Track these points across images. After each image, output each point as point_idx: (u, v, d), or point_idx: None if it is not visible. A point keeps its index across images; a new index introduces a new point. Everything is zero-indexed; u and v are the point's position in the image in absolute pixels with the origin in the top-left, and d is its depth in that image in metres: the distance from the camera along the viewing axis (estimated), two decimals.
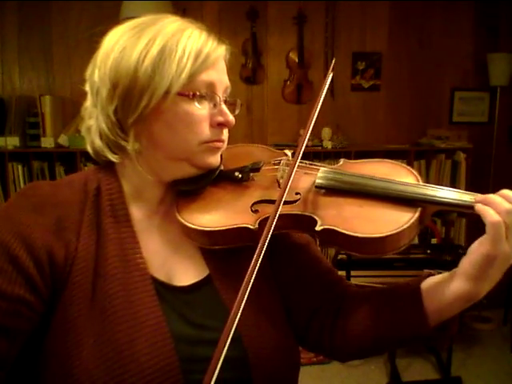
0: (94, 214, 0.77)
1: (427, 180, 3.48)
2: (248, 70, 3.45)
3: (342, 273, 2.94)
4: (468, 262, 0.71)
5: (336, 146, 3.36)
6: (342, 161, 0.88)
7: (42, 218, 0.72)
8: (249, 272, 0.66)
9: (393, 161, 0.85)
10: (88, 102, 0.80)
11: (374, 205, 0.76)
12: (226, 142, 0.83)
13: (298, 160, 0.78)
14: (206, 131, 0.78)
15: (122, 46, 0.74)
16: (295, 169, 0.77)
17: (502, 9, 3.62)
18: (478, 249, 0.69)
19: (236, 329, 0.66)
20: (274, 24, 3.46)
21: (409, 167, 0.83)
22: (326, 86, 0.85)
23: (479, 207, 0.69)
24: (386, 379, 2.86)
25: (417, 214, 0.73)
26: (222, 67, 0.80)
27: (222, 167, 0.84)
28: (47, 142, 3.05)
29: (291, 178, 0.76)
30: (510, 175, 3.67)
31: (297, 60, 3.48)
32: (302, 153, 0.79)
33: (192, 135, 0.77)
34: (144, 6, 2.73)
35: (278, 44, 3.47)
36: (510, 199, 0.68)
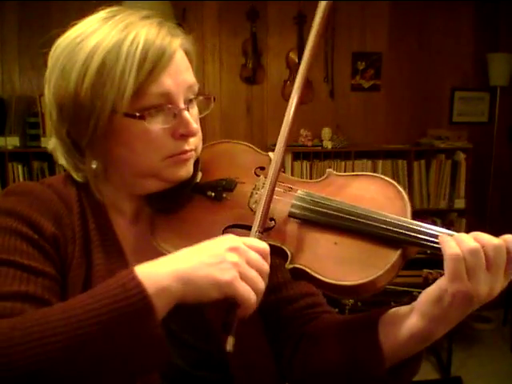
0: (80, 219, 0.75)
1: (427, 180, 3.48)
2: (248, 69, 3.44)
3: None
4: (424, 296, 0.66)
5: (336, 145, 3.36)
6: (327, 172, 0.80)
7: (41, 211, 0.71)
8: None
9: (383, 177, 0.77)
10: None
11: (351, 243, 0.69)
12: (198, 149, 0.77)
13: (269, 192, 0.71)
14: (167, 146, 0.71)
15: (63, 64, 0.70)
16: (266, 202, 0.70)
17: (502, 9, 3.61)
18: (435, 283, 0.64)
19: (218, 350, 0.64)
20: (274, 24, 3.46)
21: (399, 187, 0.75)
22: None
23: (441, 238, 0.63)
24: None
25: (395, 257, 0.66)
26: (178, 66, 0.71)
27: (199, 177, 0.79)
28: (47, 142, 3.04)
29: (263, 213, 0.69)
30: (510, 175, 3.67)
31: (297, 60, 3.47)
32: (275, 179, 0.72)
33: (152, 153, 0.71)
34: (144, 6, 2.73)
35: (278, 44, 3.47)
36: (480, 240, 0.61)
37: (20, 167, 3.03)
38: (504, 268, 0.61)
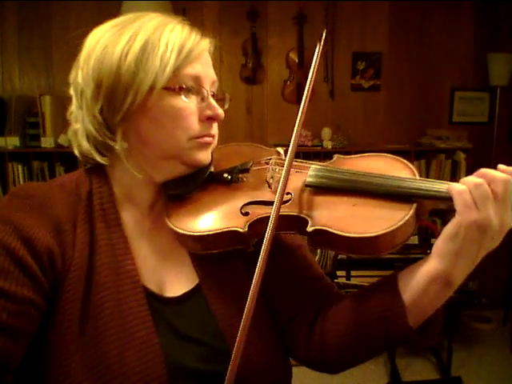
0: (86, 218, 0.76)
1: None
2: (248, 70, 3.44)
3: (341, 273, 2.94)
4: (441, 237, 0.68)
5: (336, 146, 3.36)
6: (335, 157, 0.84)
7: (40, 219, 0.71)
8: (250, 295, 0.65)
9: (388, 154, 0.81)
10: (73, 106, 0.79)
11: (368, 202, 0.72)
12: (216, 138, 0.81)
13: (289, 161, 0.75)
14: (194, 126, 0.75)
15: (104, 44, 0.73)
16: (286, 171, 0.74)
17: (501, 9, 3.62)
18: (451, 221, 0.67)
19: (227, 347, 0.66)
20: (274, 24, 3.46)
21: (405, 161, 0.79)
22: (316, 60, 0.83)
23: (450, 185, 0.68)
24: (386, 379, 2.86)
25: (412, 211, 0.70)
26: (207, 61, 0.78)
27: (212, 169, 0.82)
28: (47, 142, 3.05)
29: (285, 183, 0.73)
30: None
31: (297, 60, 3.48)
32: (294, 152, 0.76)
33: (180, 130, 0.74)
34: (144, 7, 2.73)
35: (278, 44, 3.47)
36: (483, 175, 0.67)
37: (20, 167, 3.03)
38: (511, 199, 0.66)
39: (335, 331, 0.78)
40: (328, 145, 3.36)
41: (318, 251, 3.22)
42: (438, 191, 0.69)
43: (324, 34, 0.81)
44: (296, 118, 0.76)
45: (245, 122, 3.48)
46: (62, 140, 3.06)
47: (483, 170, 0.68)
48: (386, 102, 3.64)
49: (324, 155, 3.34)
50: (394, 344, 0.74)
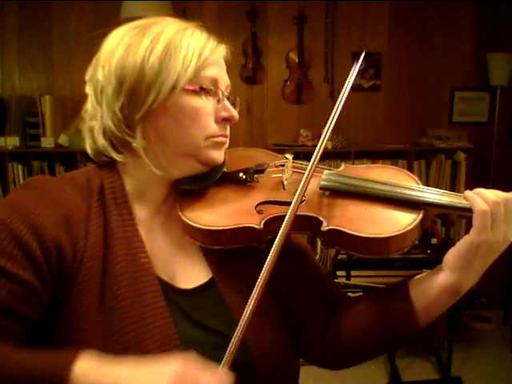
0: (100, 211, 0.77)
1: (427, 180, 3.49)
2: (248, 70, 3.44)
3: (341, 273, 2.94)
4: (452, 252, 0.73)
5: (336, 145, 3.36)
6: (343, 165, 0.88)
7: (51, 210, 0.72)
8: (260, 278, 0.68)
9: (393, 166, 0.86)
10: (89, 104, 0.80)
11: (378, 207, 0.77)
12: (228, 139, 0.83)
13: (315, 162, 0.78)
14: (211, 125, 0.78)
15: (127, 44, 0.75)
16: (311, 172, 0.77)
17: (501, 9, 3.61)
18: (462, 239, 0.72)
19: (243, 336, 0.68)
20: (274, 24, 3.46)
21: (409, 173, 0.84)
22: (351, 81, 0.86)
23: (468, 195, 0.72)
24: (386, 379, 2.86)
25: (420, 216, 0.75)
26: (222, 66, 0.81)
27: (225, 168, 0.84)
28: (47, 142, 3.05)
29: (307, 182, 0.76)
30: (510, 175, 3.67)
31: (297, 60, 3.48)
32: (318, 156, 0.79)
33: (198, 129, 0.77)
34: (144, 7, 2.73)
35: (278, 44, 3.47)
36: (498, 194, 0.72)
37: (20, 167, 3.03)
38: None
39: (349, 333, 0.83)
40: (328, 145, 3.36)
41: (318, 251, 3.22)
42: (459, 204, 0.74)
43: (362, 56, 0.86)
44: (327, 121, 0.81)
45: (245, 121, 3.48)
46: (61, 140, 3.06)
47: (493, 190, 0.73)
48: (386, 102, 3.64)
49: (324, 155, 3.34)
50: (403, 343, 0.80)
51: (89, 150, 0.81)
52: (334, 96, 3.53)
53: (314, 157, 0.78)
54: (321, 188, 0.81)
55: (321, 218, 0.76)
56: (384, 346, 0.83)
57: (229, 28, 3.38)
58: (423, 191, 0.77)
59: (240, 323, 0.68)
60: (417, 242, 0.75)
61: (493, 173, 3.56)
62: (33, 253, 0.68)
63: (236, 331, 0.67)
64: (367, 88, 3.59)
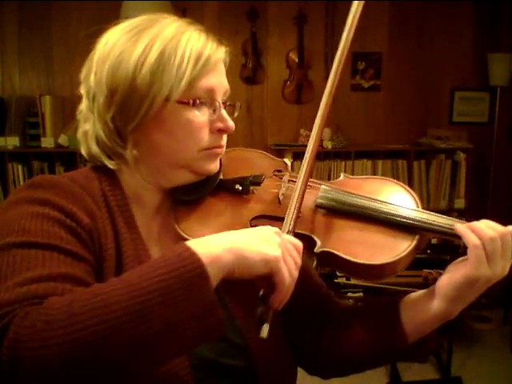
0: (107, 213, 0.76)
1: (427, 180, 3.49)
2: (248, 69, 3.44)
3: (341, 273, 2.94)
4: (447, 282, 0.73)
5: (336, 146, 3.36)
6: (342, 175, 0.87)
7: (75, 203, 0.70)
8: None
9: (394, 180, 0.85)
10: (83, 105, 0.78)
11: (374, 229, 0.76)
12: (224, 147, 0.81)
13: (303, 184, 0.76)
14: (206, 138, 0.76)
15: (119, 50, 0.72)
16: (301, 192, 0.75)
17: (501, 9, 3.62)
18: (458, 270, 0.72)
19: (243, 340, 0.69)
20: (274, 24, 3.46)
21: (410, 189, 0.83)
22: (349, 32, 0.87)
23: (459, 228, 0.72)
24: (386, 379, 2.86)
25: (415, 242, 0.74)
26: (221, 70, 0.78)
27: (221, 175, 0.83)
28: (47, 142, 3.05)
29: (299, 203, 0.75)
30: (510, 175, 3.67)
31: (297, 60, 3.48)
32: (306, 179, 0.77)
33: (192, 142, 0.75)
34: (144, 6, 2.73)
35: (278, 44, 3.47)
36: (494, 228, 0.71)
37: (20, 167, 3.03)
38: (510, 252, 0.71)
39: (344, 349, 0.84)
40: (328, 145, 3.36)
41: None
42: (442, 228, 0.75)
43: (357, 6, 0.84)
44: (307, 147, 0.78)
45: (245, 121, 3.48)
46: (61, 140, 3.06)
47: (491, 223, 0.73)
48: (386, 102, 3.64)
49: (324, 155, 3.34)
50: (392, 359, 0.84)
51: (84, 154, 0.80)
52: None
53: (303, 178, 0.76)
54: (317, 206, 0.79)
55: (315, 238, 0.75)
56: (376, 363, 0.85)
57: (229, 28, 3.38)
58: (419, 216, 0.76)
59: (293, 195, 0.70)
60: None
61: (493, 173, 3.56)
62: (83, 237, 0.68)
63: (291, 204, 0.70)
64: (367, 88, 3.59)
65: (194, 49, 0.73)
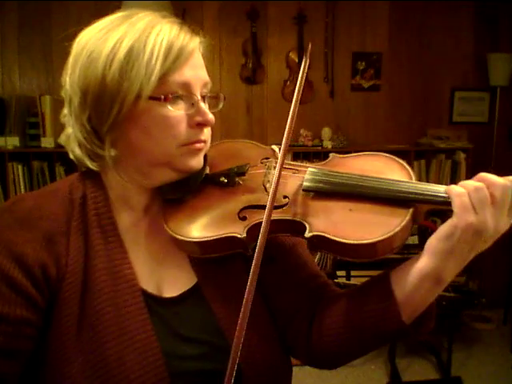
0: (80, 224, 0.75)
1: (427, 180, 3.49)
2: (248, 69, 3.44)
3: (341, 273, 2.94)
4: (434, 236, 0.69)
5: (336, 146, 3.36)
6: (331, 156, 0.84)
7: (30, 233, 0.70)
8: (246, 293, 0.65)
9: (385, 154, 0.82)
10: (65, 110, 0.78)
11: (365, 207, 0.73)
12: (208, 142, 0.79)
13: (280, 167, 0.74)
14: (183, 133, 0.74)
15: (89, 50, 0.71)
16: (279, 176, 0.73)
17: (501, 9, 3.62)
18: (445, 223, 0.68)
19: (228, 344, 0.66)
20: (274, 24, 3.46)
21: (402, 161, 0.80)
22: (303, 75, 0.82)
23: (448, 188, 0.69)
24: (386, 379, 2.86)
25: (408, 216, 0.71)
26: (197, 62, 0.75)
27: (207, 170, 0.81)
28: (47, 142, 3.05)
29: (277, 187, 0.72)
30: (510, 175, 3.67)
31: (297, 60, 3.48)
32: (284, 157, 0.75)
33: (169, 139, 0.73)
34: (144, 6, 2.73)
35: (278, 44, 3.47)
36: (483, 179, 0.69)
37: (20, 167, 3.03)
38: (509, 205, 0.67)
39: (332, 330, 0.79)
40: (328, 145, 3.36)
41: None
42: (436, 195, 0.70)
43: (309, 48, 0.83)
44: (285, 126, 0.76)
45: (245, 121, 3.48)
46: (61, 140, 3.06)
47: (483, 174, 0.70)
48: (386, 102, 3.64)
49: (324, 155, 3.34)
50: (390, 339, 0.76)
51: (72, 157, 0.80)
52: (334, 96, 3.53)
53: (280, 159, 0.74)
54: (304, 190, 0.77)
55: (304, 223, 0.73)
56: (370, 344, 0.77)
57: (229, 28, 3.38)
58: (412, 186, 0.73)
59: (233, 349, 0.64)
60: (417, 242, 0.73)
61: (493, 173, 3.53)
62: (23, 285, 0.67)
63: (231, 357, 0.64)
64: (367, 88, 3.59)
65: (164, 42, 0.70)
